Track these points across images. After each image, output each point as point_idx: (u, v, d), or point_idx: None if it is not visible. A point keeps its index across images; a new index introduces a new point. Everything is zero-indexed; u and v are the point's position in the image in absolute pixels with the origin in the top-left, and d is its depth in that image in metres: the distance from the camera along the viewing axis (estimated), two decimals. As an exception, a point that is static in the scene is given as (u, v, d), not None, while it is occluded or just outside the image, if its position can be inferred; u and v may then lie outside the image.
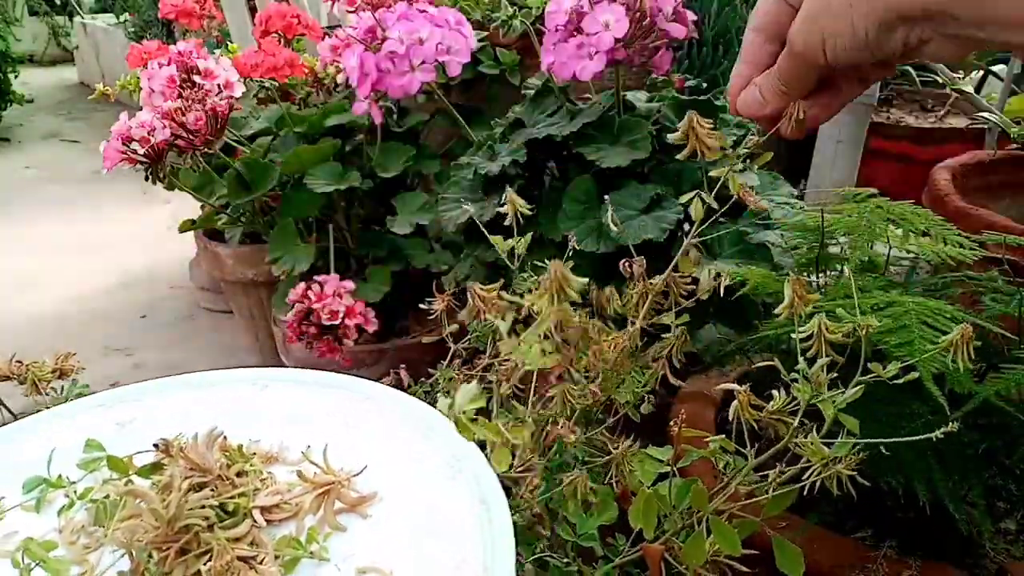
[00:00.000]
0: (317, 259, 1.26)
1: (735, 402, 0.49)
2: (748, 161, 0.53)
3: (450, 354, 0.71)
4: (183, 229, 1.57)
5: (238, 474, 0.44)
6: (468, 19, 1.08)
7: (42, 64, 5.84)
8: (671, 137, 0.51)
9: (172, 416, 0.53)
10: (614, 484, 0.55)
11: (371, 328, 1.15)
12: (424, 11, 1.04)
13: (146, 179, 1.17)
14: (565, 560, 0.51)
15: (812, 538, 0.64)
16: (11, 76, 4.22)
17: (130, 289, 2.31)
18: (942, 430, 0.44)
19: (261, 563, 0.39)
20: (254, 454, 0.47)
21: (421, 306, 0.71)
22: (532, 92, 1.10)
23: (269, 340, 1.65)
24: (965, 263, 0.68)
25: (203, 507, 0.40)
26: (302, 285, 1.12)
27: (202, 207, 1.50)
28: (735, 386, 0.48)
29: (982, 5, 0.30)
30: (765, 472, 0.52)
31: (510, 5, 1.25)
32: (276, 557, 0.40)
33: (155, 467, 0.44)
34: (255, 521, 0.42)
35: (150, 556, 0.38)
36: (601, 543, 0.56)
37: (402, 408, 0.53)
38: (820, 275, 0.74)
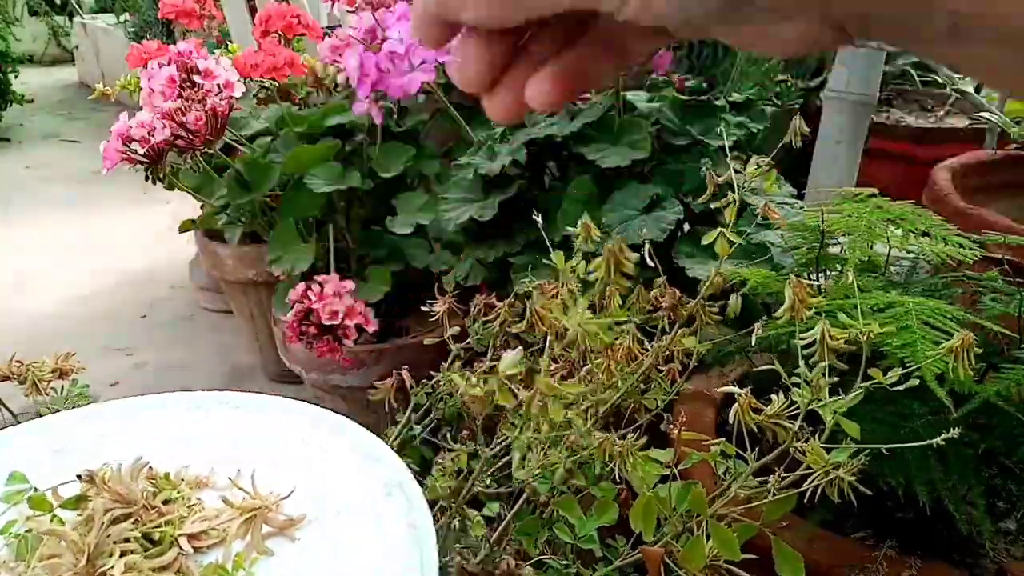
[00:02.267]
0: (317, 259, 1.26)
1: (736, 404, 0.49)
2: (748, 161, 0.53)
3: (451, 355, 0.71)
4: (183, 229, 1.57)
5: (165, 502, 0.45)
6: (468, 19, 1.08)
7: (42, 64, 5.83)
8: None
9: (109, 442, 0.53)
10: (617, 478, 0.55)
11: (371, 328, 1.15)
12: (424, 11, 1.03)
13: (146, 179, 1.17)
14: (564, 562, 0.51)
15: (812, 538, 0.64)
16: (11, 76, 4.22)
17: (130, 289, 2.31)
18: (944, 436, 0.44)
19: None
20: (182, 480, 0.48)
21: (423, 308, 0.71)
22: (532, 92, 1.10)
23: (269, 340, 1.65)
24: (965, 263, 0.68)
25: (127, 539, 0.40)
26: (302, 285, 1.12)
27: (202, 207, 1.50)
28: (736, 389, 0.48)
29: None
30: (765, 476, 0.52)
31: (510, 5, 1.25)
32: (202, 585, 0.40)
33: (80, 499, 0.44)
34: (182, 549, 0.42)
35: None
36: (601, 544, 0.56)
37: (342, 433, 0.53)
38: (820, 275, 0.74)
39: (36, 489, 0.47)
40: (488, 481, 0.64)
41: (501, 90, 0.25)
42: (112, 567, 0.39)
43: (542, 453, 0.55)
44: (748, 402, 0.48)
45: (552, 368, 0.59)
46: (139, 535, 0.41)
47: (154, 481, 0.46)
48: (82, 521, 0.42)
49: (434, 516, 0.74)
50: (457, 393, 0.65)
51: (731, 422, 0.50)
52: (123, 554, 0.40)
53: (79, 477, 0.44)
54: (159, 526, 0.42)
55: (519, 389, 0.50)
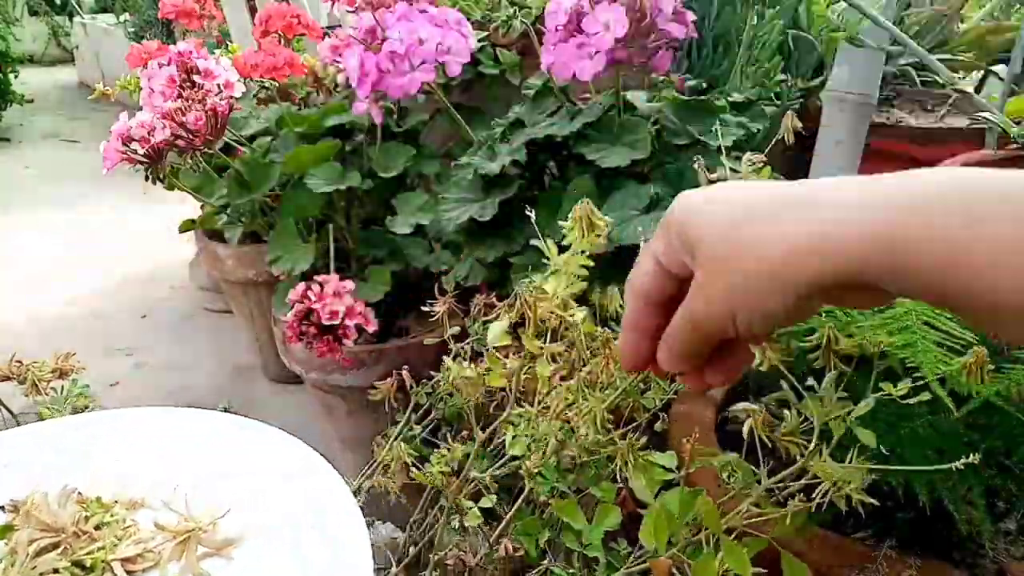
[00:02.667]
0: (317, 259, 1.26)
1: (735, 404, 0.49)
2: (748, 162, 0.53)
3: (451, 355, 0.71)
4: (183, 229, 1.57)
5: (97, 527, 0.44)
6: (468, 19, 1.08)
7: (42, 64, 5.83)
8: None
9: (61, 458, 0.53)
10: (618, 478, 0.55)
11: (371, 328, 1.15)
12: (424, 11, 1.04)
13: (146, 179, 1.17)
14: (571, 571, 0.51)
15: (812, 538, 0.64)
16: (11, 76, 4.22)
17: (130, 289, 2.31)
18: (943, 436, 0.44)
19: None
20: (116, 502, 0.47)
21: (423, 308, 0.71)
22: (532, 92, 1.10)
23: (269, 340, 1.65)
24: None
25: (55, 570, 0.40)
26: (302, 285, 1.12)
27: (202, 207, 1.50)
28: (750, 405, 0.48)
29: (906, 277, 0.29)
30: (769, 479, 0.52)
31: (510, 5, 1.25)
32: (137, 609, 0.40)
33: (5, 529, 0.44)
34: (115, 574, 0.42)
35: None
36: (603, 547, 0.56)
37: (283, 451, 0.54)
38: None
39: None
40: (484, 466, 0.64)
41: (690, 376, 0.39)
42: None
43: (532, 426, 0.55)
44: (763, 418, 0.48)
45: (552, 369, 0.59)
46: (68, 564, 0.41)
47: (85, 505, 0.45)
48: (7, 553, 0.41)
49: (429, 511, 0.74)
50: (451, 380, 0.65)
51: (730, 420, 0.50)
52: None
53: (3, 508, 0.43)
54: (91, 552, 0.42)
55: (508, 358, 0.50)
